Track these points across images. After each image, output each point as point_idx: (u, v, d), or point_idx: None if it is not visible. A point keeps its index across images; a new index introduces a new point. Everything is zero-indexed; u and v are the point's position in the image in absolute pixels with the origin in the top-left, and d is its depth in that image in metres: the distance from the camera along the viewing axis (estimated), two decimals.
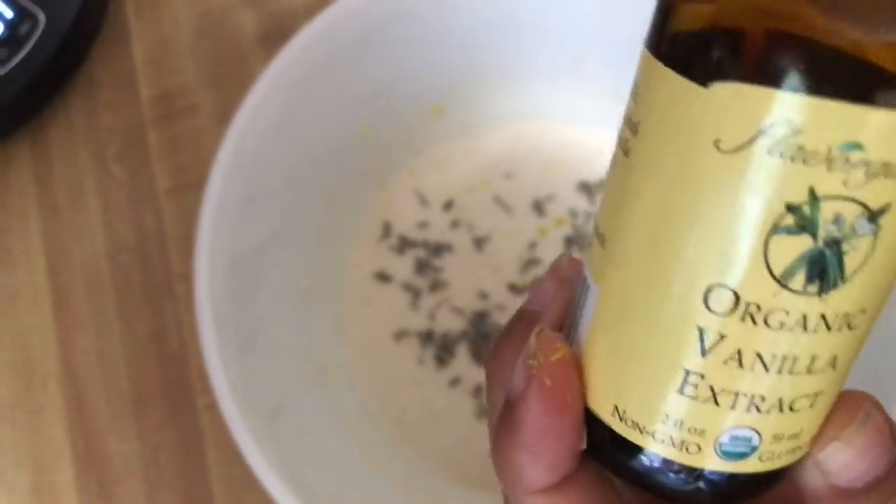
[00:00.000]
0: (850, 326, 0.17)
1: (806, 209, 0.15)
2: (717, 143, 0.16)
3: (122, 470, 0.43)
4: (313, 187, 0.41)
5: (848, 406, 0.18)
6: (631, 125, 0.17)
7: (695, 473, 0.18)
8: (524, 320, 0.21)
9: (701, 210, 0.16)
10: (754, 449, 0.18)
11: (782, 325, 0.16)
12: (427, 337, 0.42)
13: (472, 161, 0.44)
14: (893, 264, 0.16)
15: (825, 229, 0.16)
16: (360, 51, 0.40)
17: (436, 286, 0.43)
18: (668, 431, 0.18)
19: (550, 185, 0.44)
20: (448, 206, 0.44)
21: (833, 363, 0.17)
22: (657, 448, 0.18)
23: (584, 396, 0.18)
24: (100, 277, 0.45)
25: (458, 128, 0.44)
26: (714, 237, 0.16)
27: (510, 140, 0.44)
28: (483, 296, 0.43)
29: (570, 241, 0.44)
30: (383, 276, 0.43)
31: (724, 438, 0.17)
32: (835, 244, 0.16)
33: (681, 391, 0.17)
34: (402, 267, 0.43)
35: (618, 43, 0.42)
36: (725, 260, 0.16)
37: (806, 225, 0.16)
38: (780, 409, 0.17)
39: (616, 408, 0.18)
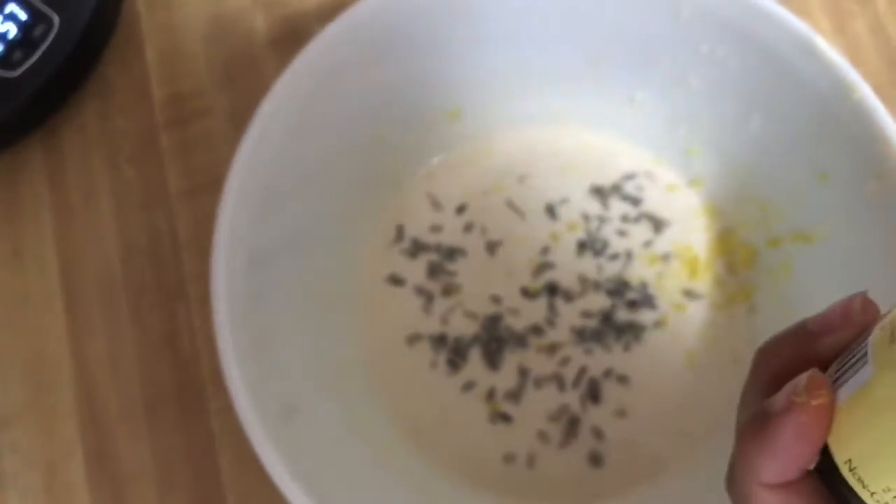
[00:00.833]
0: None
1: None
2: None
3: (134, 472, 0.43)
4: (328, 190, 0.41)
5: None
6: None
7: None
8: (802, 336, 0.24)
9: None
10: None
11: None
12: (440, 341, 0.42)
13: (485, 165, 0.44)
14: None
15: None
16: (375, 55, 0.41)
17: (449, 290, 0.43)
18: (885, 498, 0.21)
19: (563, 190, 0.44)
20: (461, 209, 0.44)
21: None
22: (871, 502, 0.21)
23: (828, 433, 0.22)
24: (112, 279, 0.45)
25: (472, 132, 0.44)
26: None
27: (523, 144, 0.45)
28: (496, 300, 0.43)
29: (582, 246, 0.44)
30: (396, 280, 0.43)
31: None
32: None
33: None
34: (415, 271, 0.43)
35: (632, 48, 0.42)
36: None
37: None
38: None
39: (850, 461, 0.21)
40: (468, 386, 0.42)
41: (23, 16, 0.44)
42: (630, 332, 0.42)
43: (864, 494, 0.21)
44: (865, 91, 0.37)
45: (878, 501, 0.21)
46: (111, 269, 0.45)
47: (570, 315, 0.43)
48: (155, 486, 0.43)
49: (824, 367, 0.24)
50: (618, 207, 0.44)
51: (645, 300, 0.43)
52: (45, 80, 0.44)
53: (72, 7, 0.45)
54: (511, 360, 0.42)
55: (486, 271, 0.43)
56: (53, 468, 0.43)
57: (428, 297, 0.43)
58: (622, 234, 0.44)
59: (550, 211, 0.44)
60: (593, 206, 0.44)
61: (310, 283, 0.40)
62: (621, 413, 0.42)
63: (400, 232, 0.44)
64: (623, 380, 0.42)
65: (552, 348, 0.42)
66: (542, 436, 0.41)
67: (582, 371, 0.42)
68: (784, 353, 0.24)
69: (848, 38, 0.47)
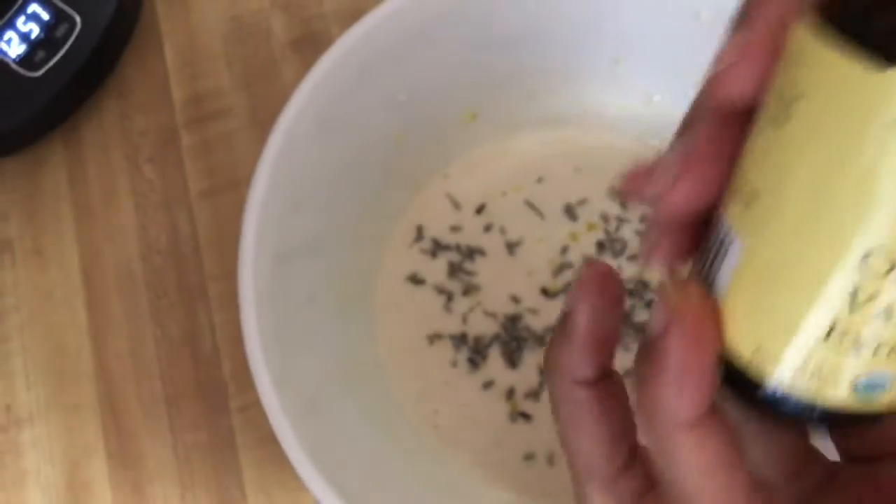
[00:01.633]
0: None
1: None
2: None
3: (155, 469, 0.43)
4: (349, 191, 0.41)
5: None
6: (786, 93, 0.18)
7: (819, 407, 0.20)
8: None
9: (869, 186, 0.17)
10: (886, 389, 0.19)
11: None
12: (460, 340, 0.43)
13: (504, 165, 0.45)
14: None
15: None
16: (395, 56, 0.41)
17: (468, 289, 0.43)
18: (806, 369, 0.19)
19: (582, 190, 0.44)
20: (480, 210, 0.44)
21: None
22: (795, 383, 0.20)
23: (721, 337, 0.20)
24: (133, 278, 0.46)
25: (491, 132, 0.45)
26: (880, 210, 0.17)
27: (542, 145, 0.45)
28: (515, 300, 0.43)
29: (601, 246, 0.44)
30: (416, 280, 0.43)
31: (861, 380, 0.19)
32: None
33: (826, 339, 0.19)
34: (435, 270, 0.44)
35: (652, 49, 0.43)
36: (890, 230, 0.17)
37: None
38: None
39: (760, 347, 0.20)
40: (488, 385, 0.42)
41: (45, 16, 0.44)
42: None
43: (783, 375, 0.20)
44: None
45: (800, 377, 0.19)
46: (131, 268, 0.46)
47: None
48: (175, 482, 0.43)
49: None
50: (637, 208, 0.44)
51: None
52: (66, 80, 0.45)
53: (93, 7, 0.45)
54: (531, 359, 0.42)
55: (505, 271, 0.44)
56: (75, 465, 0.43)
57: (448, 297, 0.43)
58: (641, 234, 0.44)
59: (569, 211, 0.44)
60: (612, 207, 0.44)
61: (331, 283, 0.41)
62: None
63: (420, 232, 0.44)
64: None
65: None
66: None
67: None
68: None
69: None
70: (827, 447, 0.24)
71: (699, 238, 0.21)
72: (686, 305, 0.20)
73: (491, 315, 0.43)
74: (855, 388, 0.19)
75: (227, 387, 0.44)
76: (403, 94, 0.42)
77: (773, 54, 0.19)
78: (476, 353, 0.42)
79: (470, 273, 0.44)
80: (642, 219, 0.44)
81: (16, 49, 0.44)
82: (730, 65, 0.19)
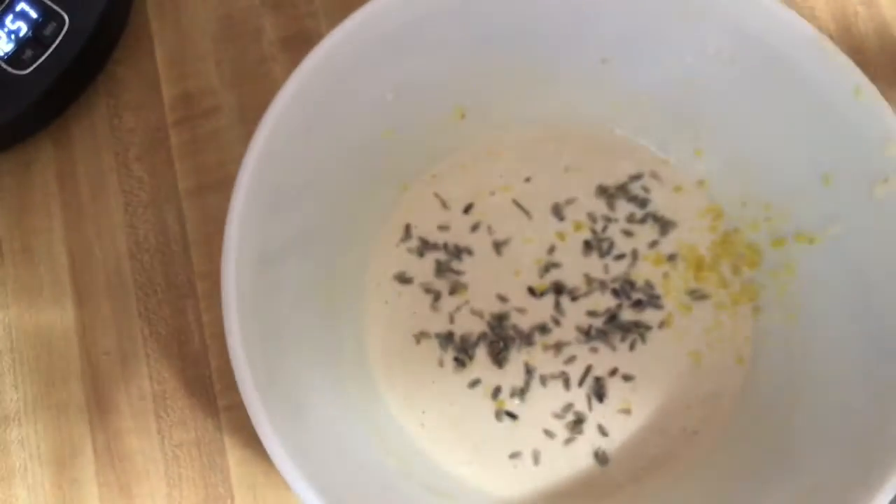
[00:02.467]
0: None
1: None
2: None
3: (142, 468, 0.43)
4: (336, 189, 0.41)
5: None
6: None
7: None
8: None
9: None
10: None
11: None
12: (447, 339, 0.43)
13: (492, 165, 0.45)
14: None
15: None
16: (383, 54, 0.41)
17: (455, 289, 0.43)
18: None
19: (570, 190, 0.44)
20: (468, 209, 0.44)
21: None
22: None
23: None
24: (121, 276, 0.46)
25: (479, 131, 0.45)
26: None
27: (530, 144, 0.45)
28: (502, 299, 0.43)
29: (588, 246, 0.44)
30: (404, 278, 0.43)
31: None
32: None
33: None
34: (422, 269, 0.44)
35: (639, 48, 0.42)
36: None
37: None
38: None
39: None
40: (474, 383, 0.42)
41: (33, 14, 0.44)
42: (635, 332, 0.43)
43: None
44: (872, 92, 0.37)
45: None
46: (120, 266, 0.46)
47: (575, 314, 0.43)
48: (163, 481, 0.43)
49: None
50: (624, 208, 0.44)
51: (650, 300, 0.43)
52: (55, 79, 0.45)
53: (82, 5, 0.45)
54: (517, 358, 0.43)
55: (492, 270, 0.44)
56: (62, 463, 0.43)
57: (435, 296, 0.43)
58: (628, 234, 0.44)
59: (557, 211, 0.44)
60: (599, 207, 0.44)
61: (318, 281, 0.41)
62: (626, 411, 0.42)
63: (407, 231, 0.44)
64: (628, 378, 0.42)
65: (558, 347, 0.43)
66: (548, 433, 0.42)
67: (587, 370, 0.42)
68: None
69: (854, 39, 0.48)
70: None
71: None
72: None
73: (478, 314, 0.43)
74: None
75: (215, 385, 0.44)
76: (391, 93, 0.42)
77: None
78: (463, 352, 0.42)
79: (457, 272, 0.44)
80: (629, 218, 0.44)
81: (3, 47, 0.44)
82: None
